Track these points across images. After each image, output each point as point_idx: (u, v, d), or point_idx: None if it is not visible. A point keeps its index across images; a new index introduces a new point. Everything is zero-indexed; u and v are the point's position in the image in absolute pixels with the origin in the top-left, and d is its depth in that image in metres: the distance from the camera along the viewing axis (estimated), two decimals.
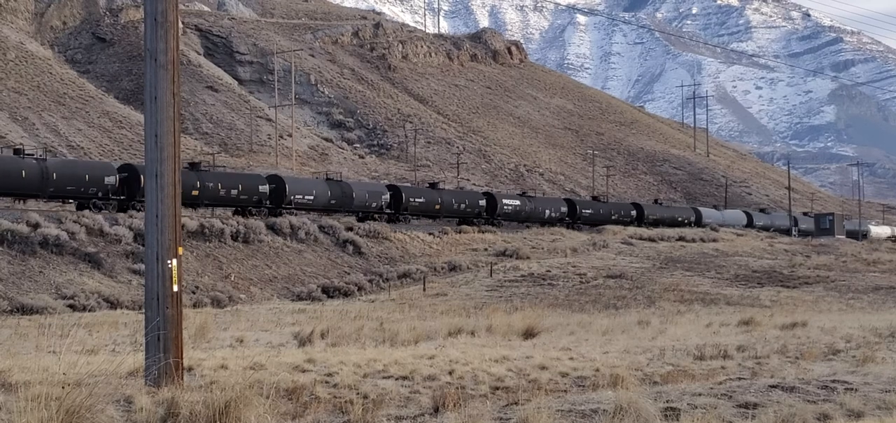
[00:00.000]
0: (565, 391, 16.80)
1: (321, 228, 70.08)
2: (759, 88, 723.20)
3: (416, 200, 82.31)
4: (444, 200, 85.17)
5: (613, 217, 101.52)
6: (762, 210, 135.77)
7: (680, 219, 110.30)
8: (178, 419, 10.59)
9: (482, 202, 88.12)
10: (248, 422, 10.26)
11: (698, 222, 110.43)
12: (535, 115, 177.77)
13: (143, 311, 14.52)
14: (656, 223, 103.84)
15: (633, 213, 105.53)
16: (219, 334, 28.94)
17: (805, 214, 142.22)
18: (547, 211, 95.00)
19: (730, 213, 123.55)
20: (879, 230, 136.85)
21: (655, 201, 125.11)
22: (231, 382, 11.25)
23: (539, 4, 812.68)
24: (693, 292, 60.28)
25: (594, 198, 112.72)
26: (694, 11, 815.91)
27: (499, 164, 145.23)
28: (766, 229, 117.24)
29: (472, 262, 70.70)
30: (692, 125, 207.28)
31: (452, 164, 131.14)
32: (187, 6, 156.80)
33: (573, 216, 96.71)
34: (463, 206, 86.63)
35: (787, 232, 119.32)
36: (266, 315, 42.36)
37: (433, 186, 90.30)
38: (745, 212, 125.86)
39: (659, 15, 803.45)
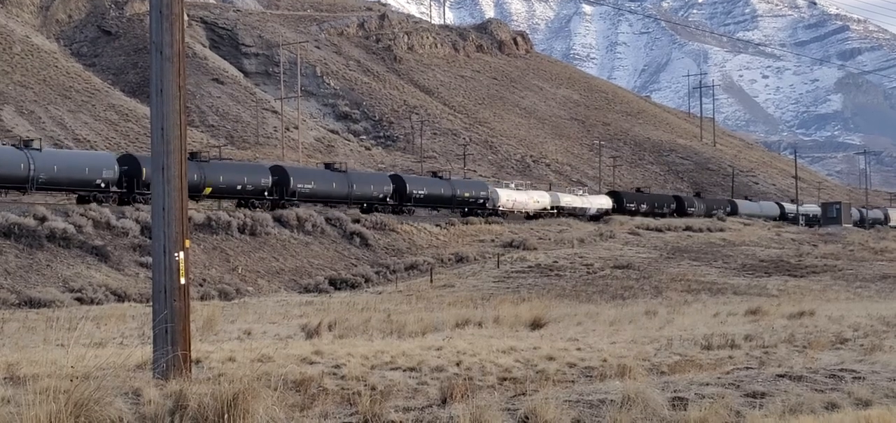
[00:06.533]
0: (573, 381, 16.80)
1: (328, 220, 70.11)
2: (765, 76, 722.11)
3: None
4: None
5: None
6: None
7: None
8: (186, 412, 10.59)
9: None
10: (256, 414, 10.26)
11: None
12: (542, 105, 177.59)
13: (151, 304, 14.54)
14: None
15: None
16: (226, 327, 29.01)
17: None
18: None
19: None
20: (569, 198, 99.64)
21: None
22: (239, 374, 11.25)
23: None
24: (700, 282, 60.22)
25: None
26: (700, 0, 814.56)
27: (505, 155, 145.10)
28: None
29: (478, 253, 70.69)
30: (698, 115, 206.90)
31: (459, 155, 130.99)
32: None
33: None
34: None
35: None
36: (273, 308, 42.40)
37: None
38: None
39: (665, 4, 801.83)
